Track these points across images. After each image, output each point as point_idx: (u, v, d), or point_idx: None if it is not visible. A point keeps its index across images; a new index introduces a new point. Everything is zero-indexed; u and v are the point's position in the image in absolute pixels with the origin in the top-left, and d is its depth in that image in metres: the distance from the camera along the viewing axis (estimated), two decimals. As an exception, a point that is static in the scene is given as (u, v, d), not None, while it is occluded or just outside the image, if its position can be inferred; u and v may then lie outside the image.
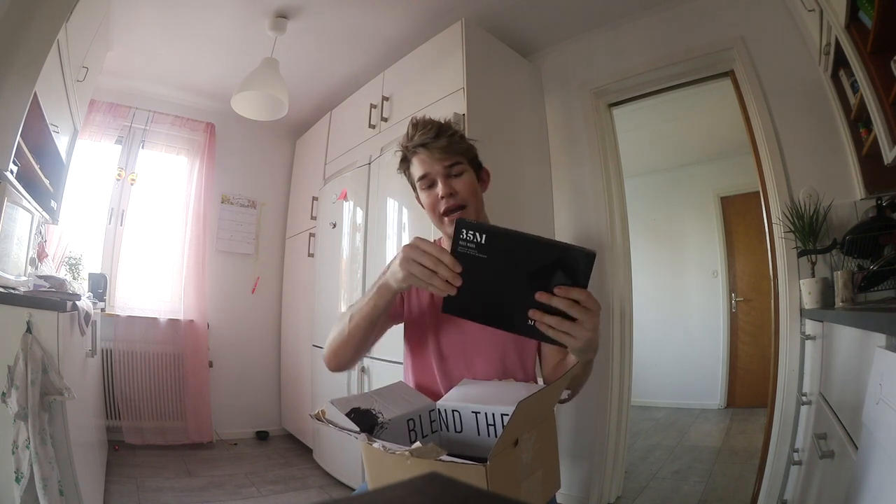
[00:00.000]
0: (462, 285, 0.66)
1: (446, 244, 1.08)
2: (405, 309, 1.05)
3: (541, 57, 2.52)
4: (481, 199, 1.03)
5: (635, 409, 3.19)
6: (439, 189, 0.96)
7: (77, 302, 1.44)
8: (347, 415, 0.71)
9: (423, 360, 1.04)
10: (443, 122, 1.00)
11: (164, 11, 2.26)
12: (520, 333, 0.67)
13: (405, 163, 1.03)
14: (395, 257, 0.77)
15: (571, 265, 0.62)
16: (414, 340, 1.05)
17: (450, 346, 1.01)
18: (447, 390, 0.94)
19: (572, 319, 0.62)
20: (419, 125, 0.98)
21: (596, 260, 0.62)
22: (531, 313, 0.64)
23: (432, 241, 0.71)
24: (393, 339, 1.11)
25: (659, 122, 3.35)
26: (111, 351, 2.70)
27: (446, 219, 0.97)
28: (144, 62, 2.72)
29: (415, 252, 0.70)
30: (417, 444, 0.56)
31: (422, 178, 0.98)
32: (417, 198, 1.05)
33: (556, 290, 0.62)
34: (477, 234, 0.65)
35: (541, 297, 0.63)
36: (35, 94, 1.48)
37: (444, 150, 0.95)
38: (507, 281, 0.65)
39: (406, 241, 2.00)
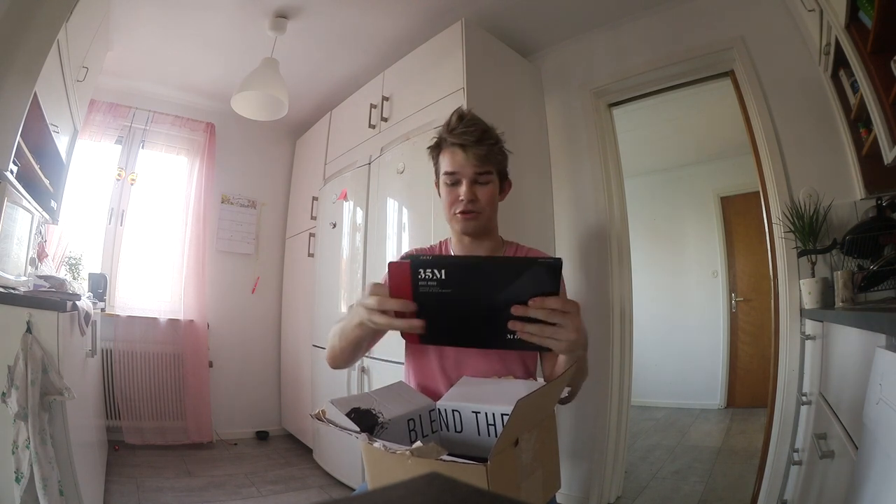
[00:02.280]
0: (433, 318, 0.67)
1: (455, 242, 1.10)
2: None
3: (541, 57, 2.52)
4: (496, 208, 1.06)
5: (635, 409, 3.18)
6: (462, 191, 0.98)
7: (77, 302, 1.44)
8: (347, 415, 0.71)
9: (423, 360, 1.04)
10: (488, 126, 1.01)
11: (164, 11, 2.26)
12: (504, 348, 0.69)
13: (437, 148, 1.04)
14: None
15: (540, 277, 0.63)
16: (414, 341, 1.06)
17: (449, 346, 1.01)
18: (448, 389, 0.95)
19: (553, 324, 0.64)
20: (464, 120, 0.99)
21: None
22: (511, 325, 0.64)
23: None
24: (393, 339, 1.11)
25: (659, 122, 3.35)
26: (111, 351, 2.70)
27: (459, 217, 1.00)
28: (144, 62, 2.72)
29: (367, 307, 0.71)
30: (418, 443, 0.56)
31: (449, 173, 1.00)
32: (436, 183, 1.08)
33: (530, 303, 0.63)
34: (435, 270, 0.64)
35: (516, 310, 0.63)
36: (35, 94, 1.48)
37: (480, 157, 0.97)
38: (478, 305, 0.65)
39: (406, 240, 2.01)
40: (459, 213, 0.99)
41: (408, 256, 0.66)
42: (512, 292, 0.63)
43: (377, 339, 1.00)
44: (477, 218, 1.00)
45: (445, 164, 1.01)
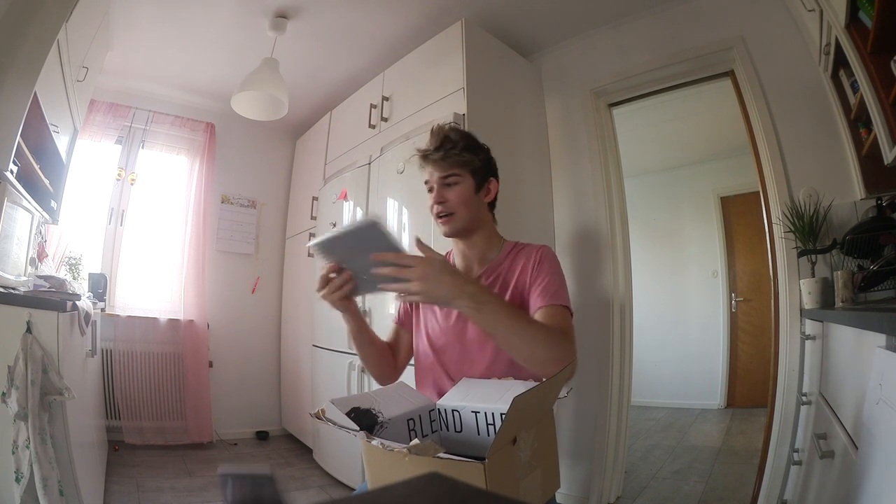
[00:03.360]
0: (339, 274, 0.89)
1: (452, 248, 1.17)
2: (411, 319, 1.17)
3: (541, 57, 2.52)
4: (476, 207, 1.08)
5: (635, 409, 3.19)
6: (433, 196, 1.07)
7: (77, 302, 1.44)
8: (347, 414, 0.71)
9: (425, 362, 1.08)
10: (450, 134, 1.06)
11: (164, 11, 2.26)
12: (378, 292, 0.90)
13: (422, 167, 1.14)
14: None
15: (371, 238, 0.78)
16: (417, 346, 1.14)
17: (448, 346, 1.05)
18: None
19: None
20: (431, 135, 1.07)
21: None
22: (374, 272, 0.79)
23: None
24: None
25: (659, 122, 3.35)
26: (111, 351, 2.70)
27: (439, 222, 1.08)
28: (144, 62, 2.72)
29: (321, 296, 0.93)
30: (416, 441, 0.56)
31: (426, 183, 1.09)
32: None
33: (372, 258, 0.78)
34: (324, 244, 0.85)
35: (375, 258, 0.79)
36: (35, 94, 1.47)
37: (438, 163, 1.05)
38: (358, 264, 0.84)
39: (406, 241, 2.01)
40: (435, 216, 1.07)
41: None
42: (365, 252, 0.79)
43: (364, 326, 1.10)
44: (452, 219, 1.05)
45: (423, 175, 1.10)
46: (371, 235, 0.78)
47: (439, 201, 1.06)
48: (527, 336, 0.82)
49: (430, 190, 1.08)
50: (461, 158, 1.05)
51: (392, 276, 0.78)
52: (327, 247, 0.85)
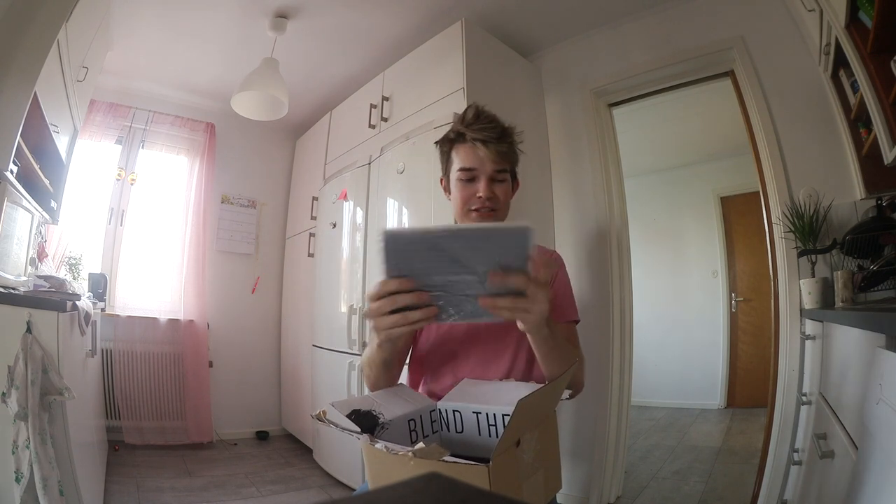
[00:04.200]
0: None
1: None
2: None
3: (541, 57, 2.52)
4: (509, 209, 1.04)
5: (635, 409, 3.19)
6: (481, 188, 0.95)
7: (77, 302, 1.44)
8: (348, 416, 0.71)
9: (437, 371, 1.03)
10: (507, 125, 0.99)
11: (164, 11, 2.26)
12: (491, 320, 0.64)
13: (450, 143, 1.01)
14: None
15: (508, 245, 0.59)
16: (419, 351, 1.06)
17: (461, 350, 1.00)
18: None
19: (522, 296, 0.61)
20: (482, 116, 0.97)
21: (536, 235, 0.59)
22: (481, 302, 0.62)
23: None
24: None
25: (659, 122, 3.35)
26: (111, 351, 2.70)
27: (475, 215, 0.97)
28: (144, 62, 2.72)
29: (374, 316, 0.66)
30: (420, 444, 0.56)
31: (466, 169, 0.96)
32: (442, 179, 1.05)
33: (492, 275, 0.59)
34: (412, 243, 0.61)
35: (494, 277, 0.59)
36: (35, 94, 1.47)
37: (501, 154, 0.95)
38: (453, 274, 0.61)
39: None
40: (475, 210, 0.96)
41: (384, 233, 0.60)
42: (483, 261, 0.59)
43: (406, 349, 0.98)
44: (493, 216, 0.98)
45: (461, 159, 0.97)
46: (505, 246, 0.58)
47: (489, 196, 0.95)
48: (564, 358, 0.80)
49: (470, 180, 0.96)
50: (515, 157, 1.01)
51: (506, 300, 0.61)
52: (414, 245, 0.60)
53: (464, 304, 0.64)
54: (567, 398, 0.84)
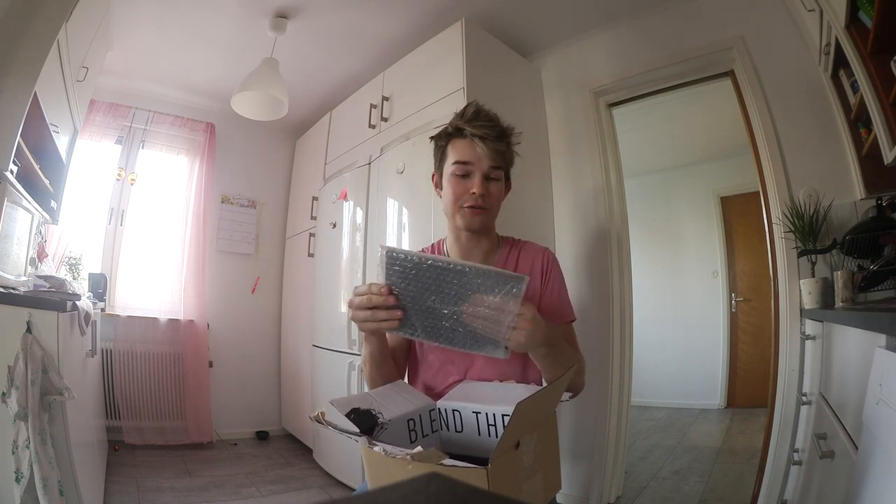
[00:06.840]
0: (403, 310, 0.74)
1: (451, 240, 1.07)
2: None
3: (541, 57, 2.52)
4: (499, 210, 1.04)
5: (635, 409, 3.19)
6: (475, 184, 0.95)
7: (77, 302, 1.44)
8: (347, 415, 0.71)
9: (426, 364, 1.05)
10: (506, 127, 1.00)
11: (164, 11, 2.26)
12: (462, 348, 0.74)
13: (447, 138, 1.01)
14: None
15: (503, 288, 0.67)
16: (420, 351, 1.08)
17: (449, 353, 1.01)
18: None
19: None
20: (482, 114, 0.97)
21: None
22: (465, 308, 0.69)
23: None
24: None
25: (659, 122, 3.35)
26: (111, 351, 2.70)
27: (467, 211, 0.96)
28: (144, 62, 2.72)
29: (352, 308, 0.77)
30: (419, 448, 0.56)
31: (461, 163, 0.96)
32: (434, 175, 1.05)
33: (474, 300, 0.68)
34: (406, 263, 0.70)
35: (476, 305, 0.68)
36: (35, 94, 1.47)
37: (498, 152, 0.96)
38: (443, 301, 0.70)
39: (406, 241, 2.01)
40: (468, 206, 0.95)
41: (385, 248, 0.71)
42: (458, 296, 0.68)
43: (403, 350, 1.02)
44: (486, 214, 0.97)
45: (457, 153, 0.97)
46: (499, 288, 0.66)
47: (482, 193, 0.95)
48: (565, 365, 0.83)
49: (465, 175, 0.96)
50: (511, 159, 1.01)
51: (485, 326, 0.68)
52: (407, 266, 0.69)
53: (436, 328, 0.73)
54: (567, 400, 0.84)
